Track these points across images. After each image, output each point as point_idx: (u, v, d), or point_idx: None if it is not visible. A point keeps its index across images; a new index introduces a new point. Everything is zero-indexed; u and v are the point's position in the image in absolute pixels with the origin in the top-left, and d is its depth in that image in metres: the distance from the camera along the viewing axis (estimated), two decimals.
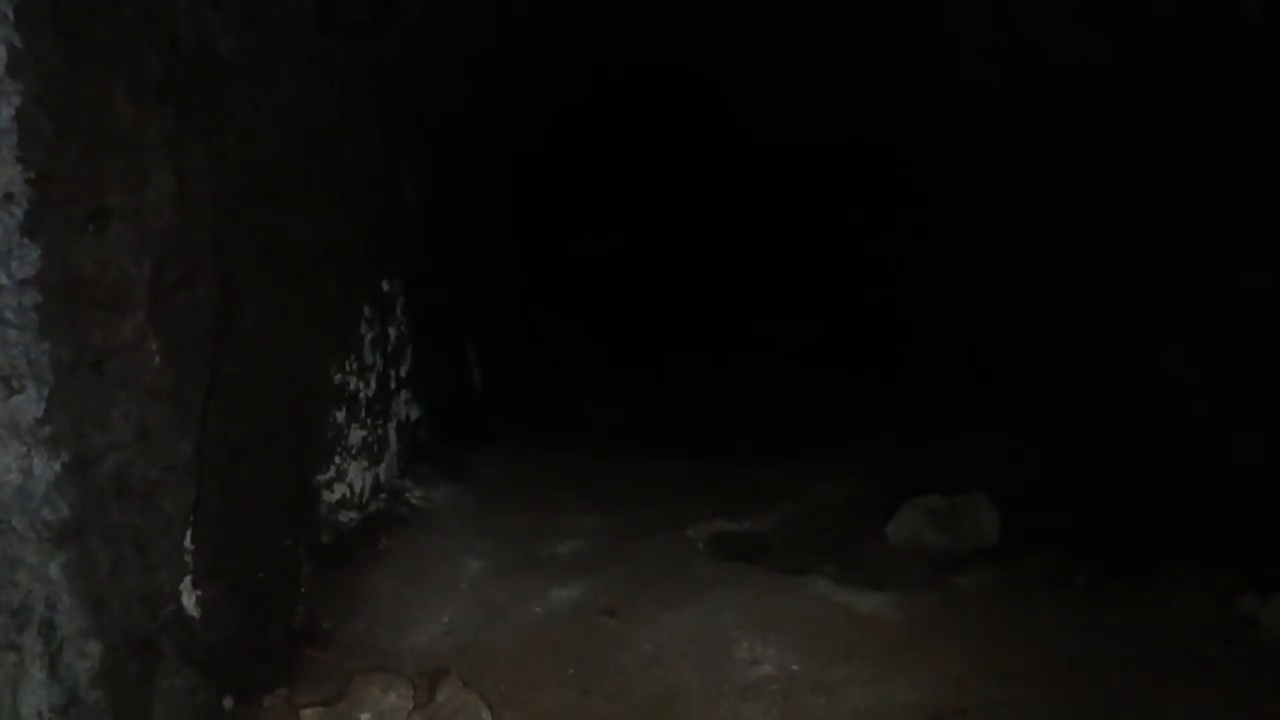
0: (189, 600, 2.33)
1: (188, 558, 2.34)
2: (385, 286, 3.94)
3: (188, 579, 2.33)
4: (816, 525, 3.89)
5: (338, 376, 3.42)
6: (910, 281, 6.73)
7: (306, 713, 2.51)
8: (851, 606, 3.07)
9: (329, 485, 3.31)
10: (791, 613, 3.01)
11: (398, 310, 4.08)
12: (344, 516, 3.40)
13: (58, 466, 1.94)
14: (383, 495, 3.77)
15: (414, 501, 3.87)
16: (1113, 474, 3.90)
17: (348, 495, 3.45)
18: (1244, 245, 3.40)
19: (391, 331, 3.99)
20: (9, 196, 1.88)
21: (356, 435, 3.56)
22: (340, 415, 3.43)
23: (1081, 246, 4.48)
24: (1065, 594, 3.19)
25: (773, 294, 9.74)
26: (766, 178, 10.47)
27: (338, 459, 3.39)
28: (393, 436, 3.98)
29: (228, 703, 2.44)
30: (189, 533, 2.35)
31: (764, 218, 10.65)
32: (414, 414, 4.28)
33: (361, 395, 3.63)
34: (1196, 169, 3.65)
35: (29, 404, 1.92)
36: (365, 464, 3.64)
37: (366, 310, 3.72)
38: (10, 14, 1.87)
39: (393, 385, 4.01)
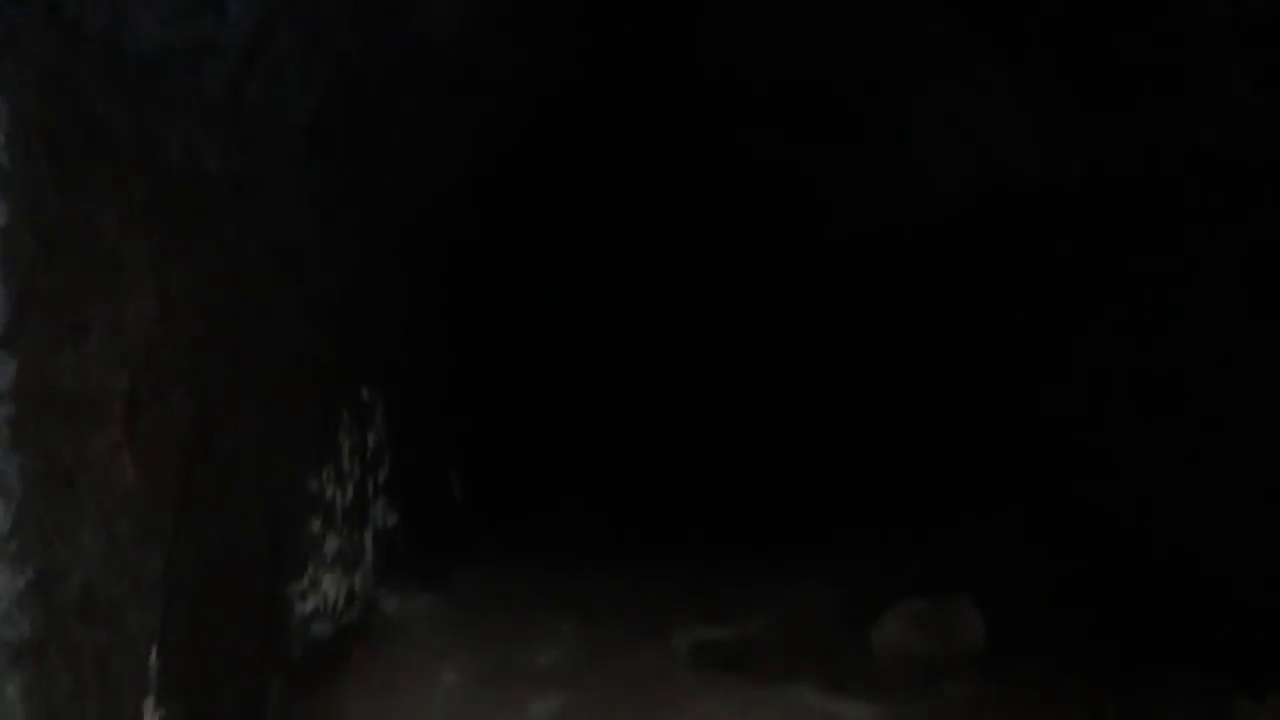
0: None
1: (151, 677, 2.29)
2: (364, 395, 3.96)
3: (150, 699, 2.26)
4: (801, 631, 3.83)
5: (314, 485, 3.41)
6: (894, 393, 6.79)
7: None
8: (838, 718, 3.00)
9: (302, 596, 3.25)
10: None
11: (376, 418, 4.08)
12: (316, 628, 3.33)
13: (22, 582, 1.91)
14: (357, 605, 3.70)
15: (389, 612, 3.80)
16: (1098, 579, 3.87)
17: (321, 606, 3.39)
18: (1219, 362, 3.47)
19: (370, 439, 3.99)
20: None
21: (332, 544, 3.52)
22: (316, 524, 3.40)
23: (1064, 363, 4.55)
24: (1055, 704, 3.13)
25: (753, 406, 9.79)
26: (748, 292, 10.65)
27: (311, 569, 3.35)
28: (369, 545, 3.93)
29: None
30: (154, 650, 2.30)
31: (746, 332, 10.78)
32: (391, 522, 4.24)
33: (338, 503, 3.60)
34: (1171, 295, 3.74)
35: None
36: (340, 573, 3.58)
37: (345, 418, 3.73)
38: (1, 135, 1.93)
39: (370, 493, 3.99)
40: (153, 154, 2.42)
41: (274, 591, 3.03)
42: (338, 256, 3.80)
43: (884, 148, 5.80)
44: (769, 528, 5.80)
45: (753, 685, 3.26)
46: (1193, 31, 3.16)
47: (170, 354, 2.43)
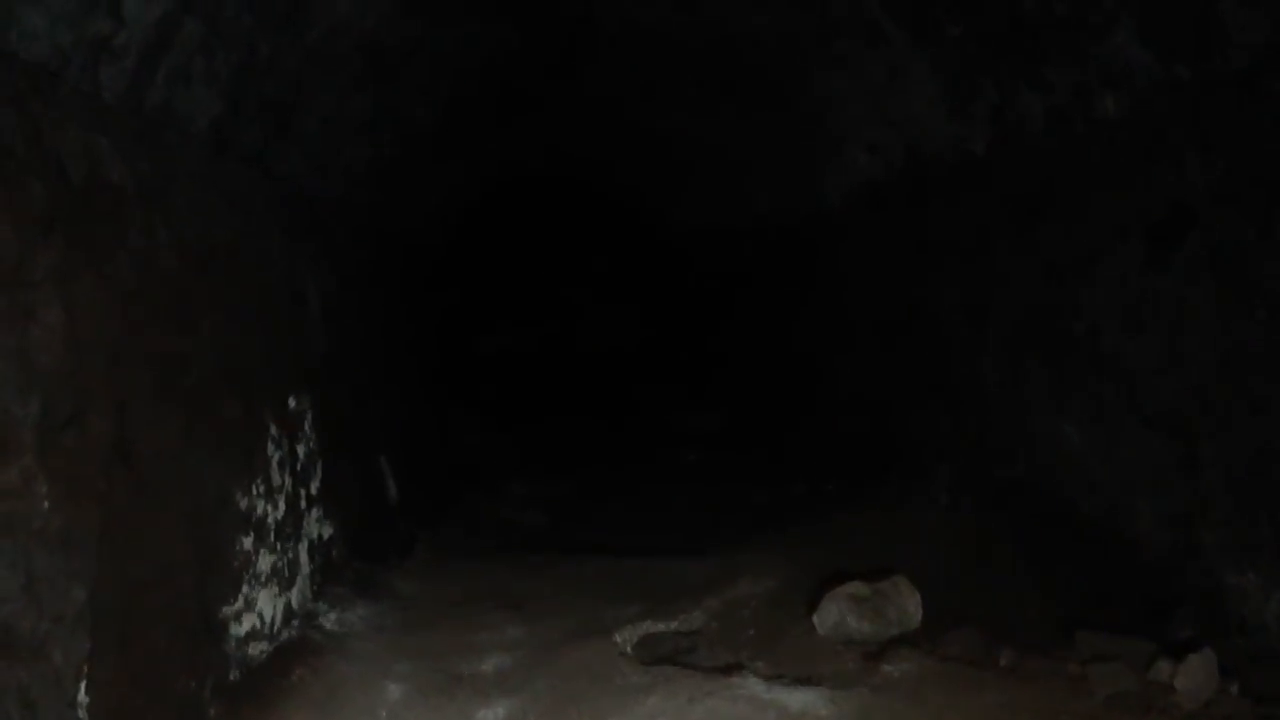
0: None
1: (81, 713, 2.19)
2: (291, 403, 3.84)
3: None
4: (743, 620, 3.86)
5: (244, 501, 3.29)
6: (820, 365, 6.90)
7: None
8: (783, 705, 3.03)
9: (236, 617, 3.15)
10: (724, 716, 2.96)
11: (305, 426, 3.97)
12: (253, 649, 3.23)
13: None
14: (295, 622, 3.61)
15: (328, 626, 3.71)
16: (1024, 547, 4.00)
17: (257, 626, 3.28)
18: (1124, 321, 3.60)
19: (300, 449, 3.88)
20: None
21: (265, 561, 3.41)
22: (247, 541, 3.29)
23: (977, 325, 4.67)
24: (990, 674, 3.21)
25: (684, 382, 9.85)
26: (674, 272, 10.70)
27: (245, 588, 3.24)
28: (304, 558, 3.83)
29: None
30: (82, 685, 2.20)
31: (672, 309, 10.83)
32: (326, 532, 4.14)
33: (270, 518, 3.49)
34: (1075, 251, 3.87)
35: None
36: (275, 590, 3.48)
37: (272, 429, 3.62)
38: None
39: (303, 505, 3.88)
40: (50, 163, 2.30)
41: (206, 613, 2.92)
42: (257, 256, 3.67)
43: (800, 117, 5.86)
44: (706, 514, 5.83)
45: (698, 678, 3.27)
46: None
47: (83, 373, 2.31)
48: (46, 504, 2.11)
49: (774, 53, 5.36)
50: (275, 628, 3.43)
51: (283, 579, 3.57)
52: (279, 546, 3.56)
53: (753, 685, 3.16)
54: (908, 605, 3.61)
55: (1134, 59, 3.30)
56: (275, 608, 3.46)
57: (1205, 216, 3.21)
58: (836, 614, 3.61)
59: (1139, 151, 3.48)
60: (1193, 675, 2.97)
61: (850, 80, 5.11)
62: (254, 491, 3.38)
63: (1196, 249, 3.25)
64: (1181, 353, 3.33)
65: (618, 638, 3.69)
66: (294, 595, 3.67)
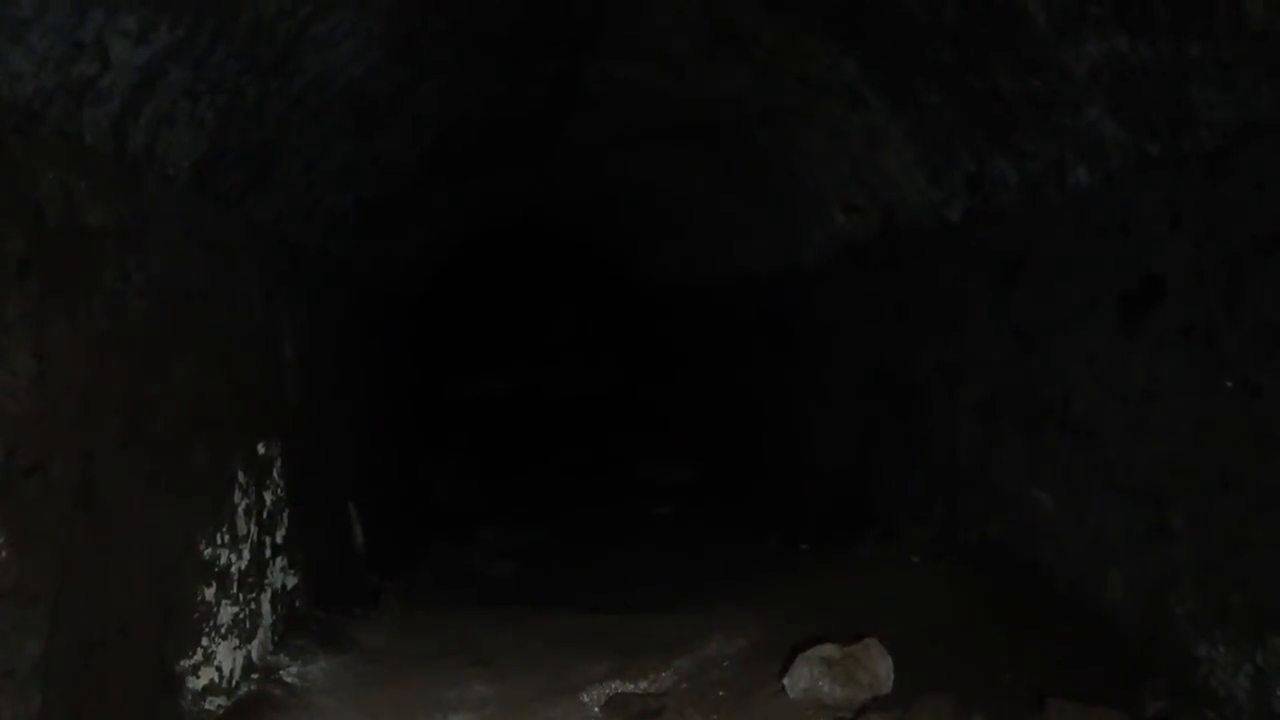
0: None
1: None
2: (261, 449, 3.79)
3: None
4: (713, 680, 3.80)
5: (207, 550, 3.22)
6: (795, 419, 6.91)
7: None
8: None
9: (194, 670, 3.06)
10: None
11: (274, 473, 3.91)
12: (210, 703, 3.14)
13: None
14: (254, 675, 3.51)
15: (289, 680, 3.61)
16: (997, 612, 3.98)
17: (215, 679, 3.19)
18: (1097, 388, 3.63)
19: (267, 496, 3.81)
20: None
21: (227, 612, 3.33)
22: (209, 592, 3.21)
23: (952, 386, 4.70)
24: None
25: (658, 432, 9.82)
26: (650, 324, 10.74)
27: (205, 640, 3.15)
28: (266, 609, 3.74)
29: None
30: None
31: (648, 360, 10.84)
32: (290, 582, 4.05)
33: (233, 568, 3.41)
34: (1048, 317, 3.92)
35: None
36: (236, 643, 3.39)
37: (240, 476, 3.55)
38: None
39: (267, 553, 3.80)
40: (28, 205, 2.27)
41: (165, 668, 2.84)
42: (233, 301, 3.64)
43: (780, 176, 5.95)
44: (678, 568, 5.78)
45: None
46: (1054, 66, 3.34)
47: (50, 420, 2.27)
48: (4, 554, 2.05)
49: (755, 113, 5.45)
50: (234, 681, 3.34)
51: (244, 630, 3.48)
52: (241, 597, 3.48)
53: None
54: (879, 669, 3.57)
55: (1107, 133, 3.39)
56: (235, 660, 3.37)
57: (1175, 288, 3.26)
58: (808, 677, 3.56)
59: (1112, 222, 3.55)
60: None
61: (829, 143, 5.20)
62: (218, 540, 3.31)
63: (1167, 320, 3.30)
64: (1153, 422, 3.36)
65: (585, 697, 3.63)
66: (254, 647, 3.57)
